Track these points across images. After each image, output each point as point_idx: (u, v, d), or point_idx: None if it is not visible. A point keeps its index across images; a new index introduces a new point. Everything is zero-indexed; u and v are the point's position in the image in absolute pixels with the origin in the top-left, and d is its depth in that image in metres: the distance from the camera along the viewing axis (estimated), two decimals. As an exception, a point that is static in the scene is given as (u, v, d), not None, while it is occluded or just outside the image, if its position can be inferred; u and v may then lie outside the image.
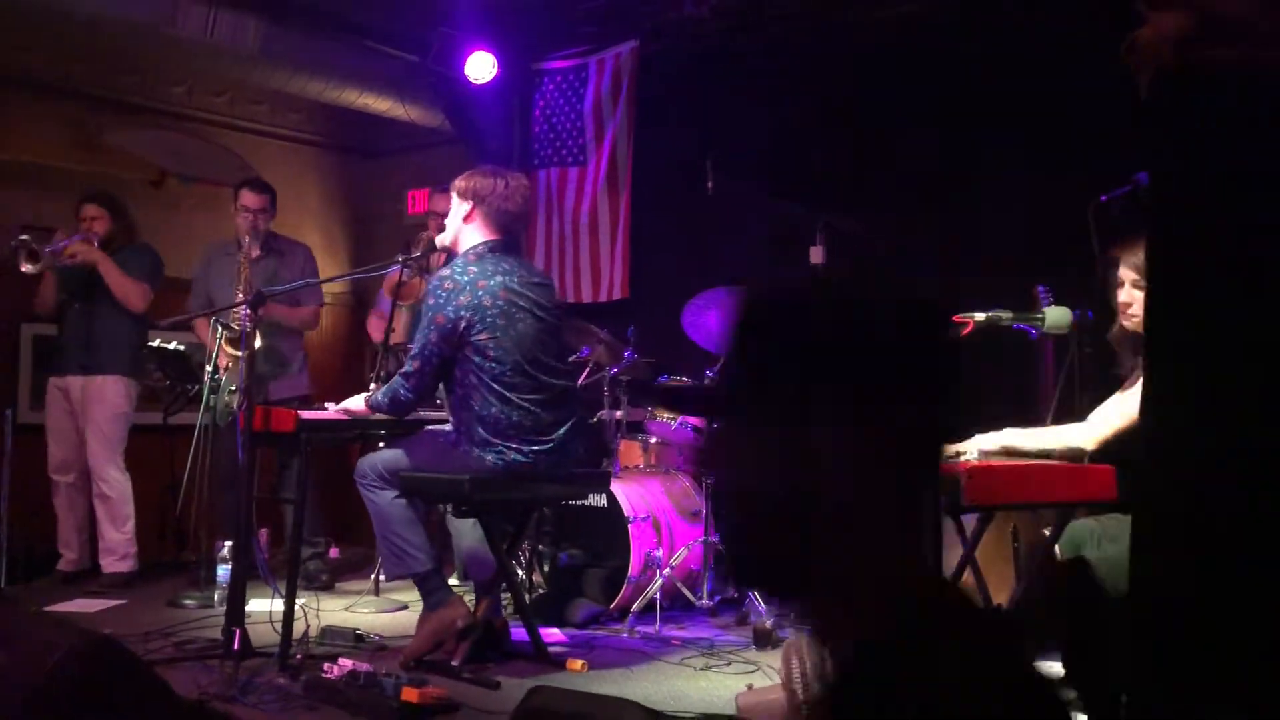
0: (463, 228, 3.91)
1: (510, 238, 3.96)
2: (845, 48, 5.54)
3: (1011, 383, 4.25)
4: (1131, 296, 3.01)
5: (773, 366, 1.09)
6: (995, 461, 2.87)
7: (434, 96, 6.72)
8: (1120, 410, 2.92)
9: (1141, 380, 1.59)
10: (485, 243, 3.87)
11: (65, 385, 5.34)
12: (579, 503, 4.84)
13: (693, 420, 4.75)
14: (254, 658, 3.77)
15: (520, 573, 4.70)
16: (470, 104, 6.69)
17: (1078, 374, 3.50)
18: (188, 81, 6.96)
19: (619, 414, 5.14)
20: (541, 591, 4.78)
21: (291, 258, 5.57)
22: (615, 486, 4.68)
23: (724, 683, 3.74)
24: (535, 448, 3.79)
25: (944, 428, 1.14)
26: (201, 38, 5.76)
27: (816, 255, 4.68)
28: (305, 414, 3.83)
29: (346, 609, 4.84)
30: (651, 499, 4.85)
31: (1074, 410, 3.39)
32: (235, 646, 3.71)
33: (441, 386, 3.91)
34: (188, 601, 4.81)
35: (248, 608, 3.86)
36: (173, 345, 5.27)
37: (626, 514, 4.64)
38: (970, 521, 3.28)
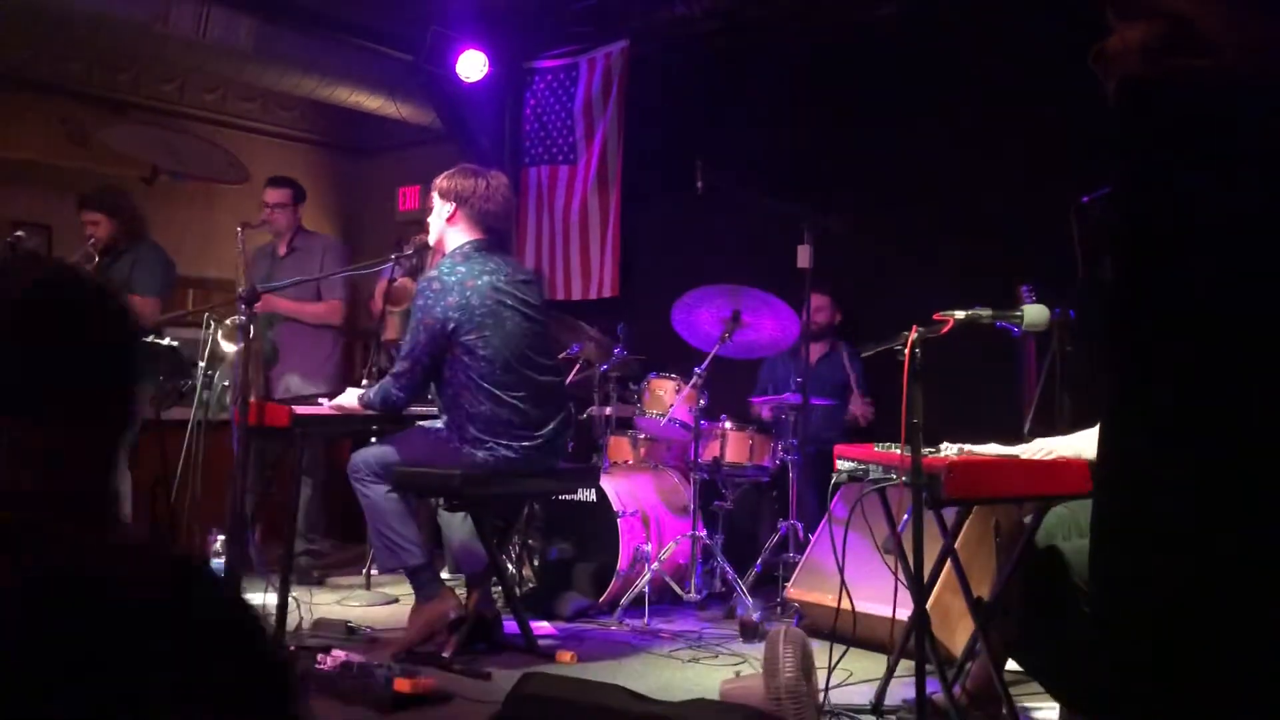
0: (447, 229, 3.96)
1: (495, 236, 4.02)
2: (834, 48, 5.61)
3: (993, 382, 4.32)
4: None
5: None
6: (974, 456, 2.94)
7: (425, 95, 6.76)
8: None
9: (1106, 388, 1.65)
10: (471, 242, 3.92)
11: None
12: (568, 498, 4.90)
13: (683, 416, 4.81)
14: (247, 649, 3.81)
15: (510, 566, 4.75)
16: (461, 102, 6.75)
17: (1059, 373, 3.56)
18: (178, 79, 7.00)
19: (609, 410, 5.20)
20: (531, 585, 4.83)
21: (311, 252, 5.58)
22: (604, 482, 4.74)
23: (711, 674, 3.81)
24: (525, 443, 3.84)
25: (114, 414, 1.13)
26: (194, 36, 5.80)
27: (804, 255, 4.74)
28: (299, 409, 3.88)
29: (338, 602, 4.89)
30: (640, 494, 4.92)
31: (1055, 410, 3.46)
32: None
33: (432, 385, 3.96)
34: (181, 595, 4.84)
35: (241, 600, 3.91)
36: (166, 341, 5.29)
37: (616, 509, 4.71)
38: (950, 517, 3.34)
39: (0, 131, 6.29)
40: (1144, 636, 1.46)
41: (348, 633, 4.18)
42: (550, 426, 3.91)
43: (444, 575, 4.66)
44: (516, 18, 6.59)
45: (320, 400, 4.16)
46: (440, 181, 3.96)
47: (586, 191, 6.54)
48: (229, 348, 5.02)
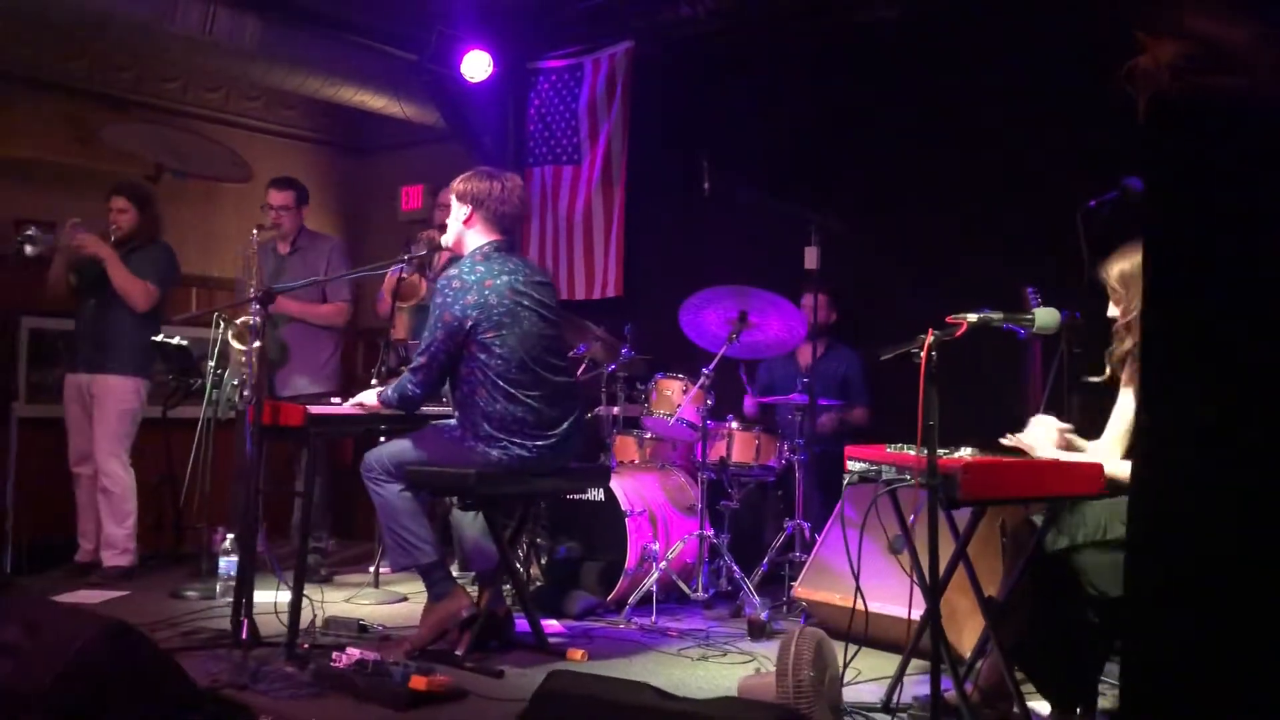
0: (464, 231, 4.01)
1: (511, 238, 4.06)
2: (838, 49, 5.65)
3: (998, 383, 4.37)
4: (1114, 313, 3.14)
5: None
6: (988, 457, 2.98)
7: (430, 94, 6.78)
8: None
9: (1137, 401, 1.69)
10: (490, 243, 3.97)
11: (79, 382, 5.39)
12: (576, 497, 4.94)
13: (690, 416, 4.84)
14: (261, 647, 3.85)
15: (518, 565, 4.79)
16: (466, 102, 6.77)
17: (1066, 374, 3.61)
18: (182, 77, 7.01)
19: (616, 410, 5.24)
20: (539, 584, 4.87)
21: (313, 254, 5.62)
22: (612, 481, 4.77)
23: (721, 672, 3.85)
24: (538, 442, 3.88)
25: None
26: (199, 35, 5.81)
27: (811, 256, 4.78)
28: (313, 409, 3.91)
29: (347, 600, 4.91)
30: (648, 493, 4.96)
31: (1062, 411, 3.50)
32: (244, 635, 3.79)
33: (447, 384, 4.00)
34: (189, 593, 4.87)
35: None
36: (175, 340, 5.32)
37: (624, 508, 4.75)
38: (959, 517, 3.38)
39: (5, 129, 6.31)
40: (1174, 642, 1.50)
41: (359, 631, 4.21)
42: (564, 426, 3.95)
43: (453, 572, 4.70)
44: (521, 18, 6.62)
45: (333, 400, 4.18)
46: (457, 184, 4.00)
47: (591, 192, 6.57)
48: (238, 347, 5.05)
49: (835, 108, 5.67)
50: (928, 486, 2.77)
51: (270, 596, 4.32)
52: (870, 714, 3.31)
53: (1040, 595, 3.07)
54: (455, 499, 4.19)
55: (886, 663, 3.82)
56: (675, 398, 4.93)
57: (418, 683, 3.32)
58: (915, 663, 3.37)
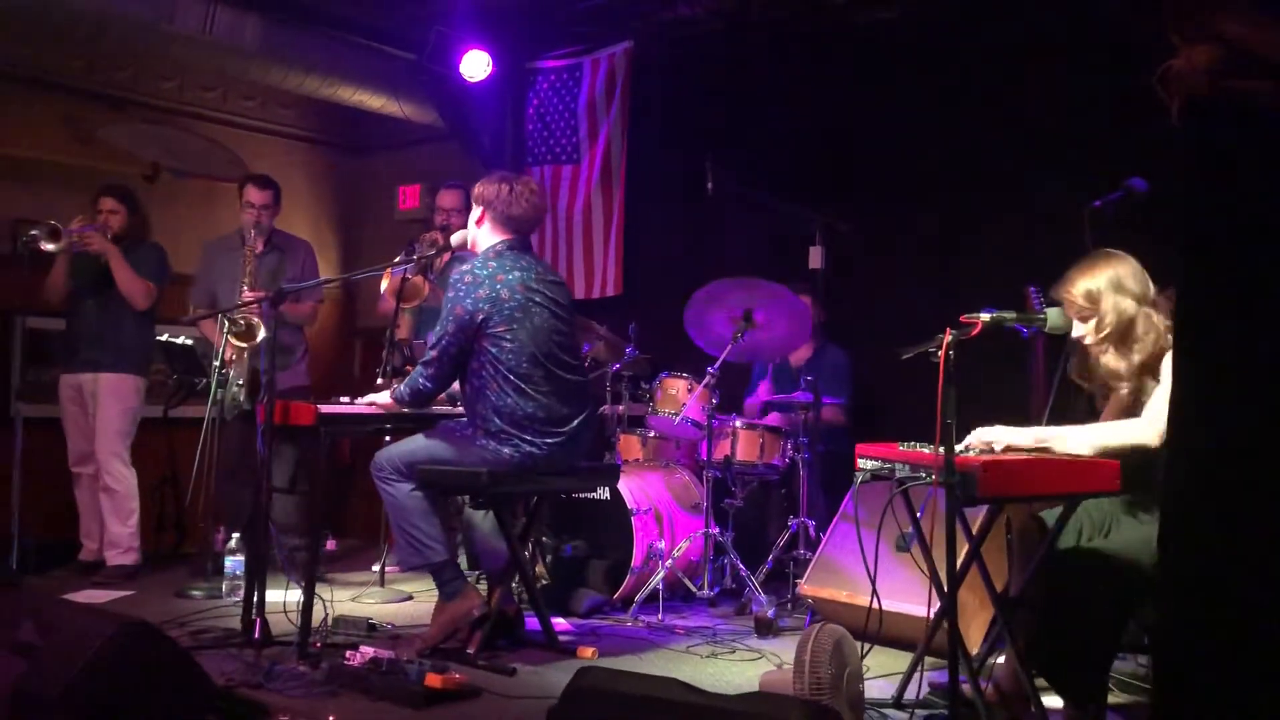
0: (476, 231, 4.07)
1: (524, 238, 4.09)
2: (837, 50, 5.68)
3: (1000, 380, 4.40)
4: (1082, 331, 3.17)
5: None
6: (1006, 455, 3.01)
7: (428, 94, 6.80)
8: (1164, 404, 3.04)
9: (1170, 397, 1.71)
10: (504, 241, 4.01)
11: (78, 382, 5.37)
12: (583, 495, 4.96)
13: (695, 415, 4.87)
14: (273, 646, 3.86)
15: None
16: (464, 102, 6.79)
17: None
18: (179, 77, 7.00)
19: (620, 408, 5.26)
20: (544, 582, 4.88)
21: (295, 254, 5.67)
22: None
23: (731, 668, 3.88)
24: (548, 440, 3.90)
25: None
26: (200, 34, 5.81)
27: (816, 256, 4.81)
28: (325, 408, 3.92)
29: (353, 600, 4.92)
30: (653, 492, 4.98)
31: (1069, 408, 3.54)
32: (256, 634, 3.80)
33: (456, 382, 4.02)
34: (195, 592, 4.87)
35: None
36: (180, 340, 5.32)
37: (630, 506, 4.77)
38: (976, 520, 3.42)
39: (2, 128, 6.28)
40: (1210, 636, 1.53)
41: (369, 630, 4.22)
42: (574, 424, 3.97)
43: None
44: (520, 18, 6.64)
45: (340, 398, 4.19)
46: (475, 188, 4.08)
47: (590, 191, 6.59)
48: (239, 345, 5.05)
49: (833, 108, 5.70)
50: (945, 485, 2.79)
51: (279, 595, 4.32)
52: (883, 710, 3.34)
53: (1052, 591, 3.11)
54: (467, 498, 4.20)
55: (894, 660, 3.85)
56: (680, 396, 4.96)
57: (433, 681, 3.33)
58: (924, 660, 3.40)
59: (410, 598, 4.99)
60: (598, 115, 6.58)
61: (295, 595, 4.12)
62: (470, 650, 3.84)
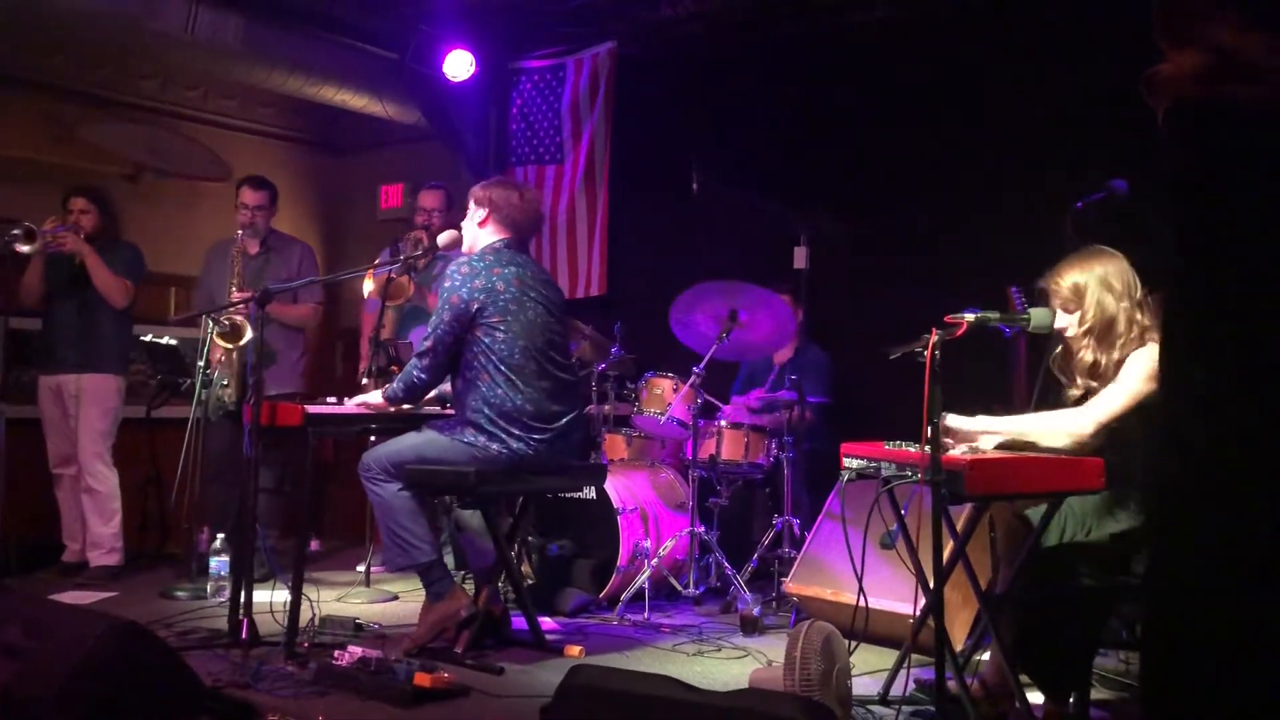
0: (478, 232, 4.10)
1: (521, 240, 4.14)
2: (822, 51, 5.71)
3: (981, 379, 4.44)
4: (1065, 323, 3.21)
5: None
6: (994, 454, 3.05)
7: (411, 94, 6.79)
8: (1109, 400, 3.09)
9: (1163, 383, 1.75)
10: (501, 239, 4.06)
11: (57, 383, 5.34)
12: (569, 495, 4.97)
13: (681, 414, 4.89)
14: (260, 646, 3.85)
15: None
16: (448, 102, 6.78)
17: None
18: (160, 75, 6.96)
19: (606, 408, 5.28)
20: (530, 582, 4.89)
21: (288, 255, 5.63)
22: (604, 479, 4.80)
23: (718, 666, 3.90)
24: (536, 436, 3.91)
25: None
26: (182, 33, 5.79)
27: (800, 256, 4.84)
28: (311, 408, 3.92)
29: (339, 600, 4.91)
30: (639, 491, 5.00)
31: (1053, 408, 3.57)
32: (244, 635, 3.80)
33: (448, 383, 4.03)
34: (180, 593, 4.86)
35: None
36: (165, 340, 5.30)
37: (616, 505, 4.79)
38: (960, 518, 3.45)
39: (-18, 127, 6.25)
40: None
41: (355, 630, 4.22)
42: (563, 422, 4.00)
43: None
44: (503, 18, 6.63)
45: (327, 399, 4.19)
46: (477, 190, 4.10)
47: (574, 191, 6.60)
48: (224, 346, 5.04)
49: (818, 109, 5.73)
50: (932, 483, 2.82)
51: (266, 596, 4.32)
52: (868, 706, 3.37)
53: (1035, 589, 3.14)
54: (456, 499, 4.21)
55: (878, 657, 3.89)
56: (666, 396, 4.98)
57: (422, 680, 3.34)
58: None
59: (396, 598, 4.99)
60: (581, 115, 6.59)
61: (281, 596, 4.12)
62: (458, 650, 3.85)
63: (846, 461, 3.34)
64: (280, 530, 5.50)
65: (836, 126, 5.66)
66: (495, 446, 3.86)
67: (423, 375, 3.94)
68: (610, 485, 4.83)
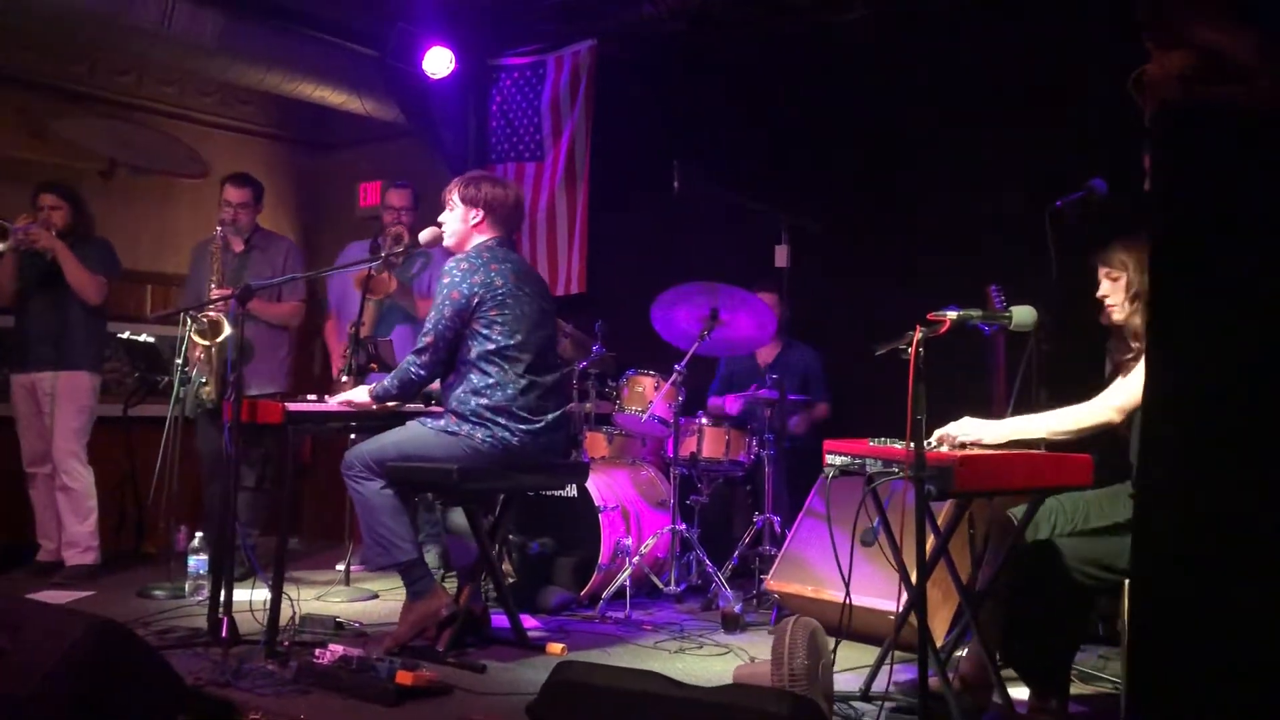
0: (472, 233, 4.09)
1: (510, 238, 4.16)
2: (803, 50, 5.72)
3: (962, 378, 4.47)
4: (1106, 290, 3.24)
5: None
6: (980, 450, 3.06)
7: (391, 90, 6.75)
8: (1130, 386, 3.11)
9: (1144, 379, 1.76)
10: (495, 238, 4.08)
11: (30, 381, 5.29)
12: (550, 493, 4.96)
13: (662, 412, 4.90)
14: (240, 645, 3.83)
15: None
16: (427, 99, 6.75)
17: (1035, 369, 3.72)
18: (136, 70, 6.90)
19: (588, 406, 5.27)
20: (511, 580, 4.88)
21: (273, 252, 5.58)
22: (585, 477, 4.80)
23: (700, 663, 3.91)
24: (523, 426, 3.91)
25: None
26: (158, 28, 5.74)
27: (782, 255, 4.85)
28: (292, 406, 3.90)
29: (318, 598, 4.89)
30: (620, 489, 5.00)
31: (1033, 405, 3.60)
32: (224, 633, 3.77)
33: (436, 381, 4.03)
34: (158, 592, 4.82)
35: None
36: (142, 337, 5.26)
37: (597, 503, 4.78)
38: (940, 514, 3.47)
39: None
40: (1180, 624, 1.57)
41: (336, 628, 4.20)
42: (551, 417, 4.01)
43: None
44: (483, 15, 6.62)
45: (308, 396, 4.17)
46: (465, 189, 4.06)
47: (554, 189, 6.59)
48: (202, 343, 5.01)
49: (799, 108, 5.75)
50: (915, 480, 2.84)
51: (245, 595, 4.29)
52: (850, 703, 3.39)
53: (1019, 584, 3.16)
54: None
55: (859, 653, 3.90)
56: (647, 394, 4.99)
57: (404, 678, 3.32)
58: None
59: (376, 596, 4.97)
60: (561, 113, 6.58)
61: (261, 594, 4.10)
62: (439, 648, 3.84)
63: (829, 458, 3.34)
64: (259, 529, 5.46)
65: (817, 125, 5.67)
66: (481, 434, 3.85)
67: (421, 371, 3.93)
68: (591, 483, 4.83)
